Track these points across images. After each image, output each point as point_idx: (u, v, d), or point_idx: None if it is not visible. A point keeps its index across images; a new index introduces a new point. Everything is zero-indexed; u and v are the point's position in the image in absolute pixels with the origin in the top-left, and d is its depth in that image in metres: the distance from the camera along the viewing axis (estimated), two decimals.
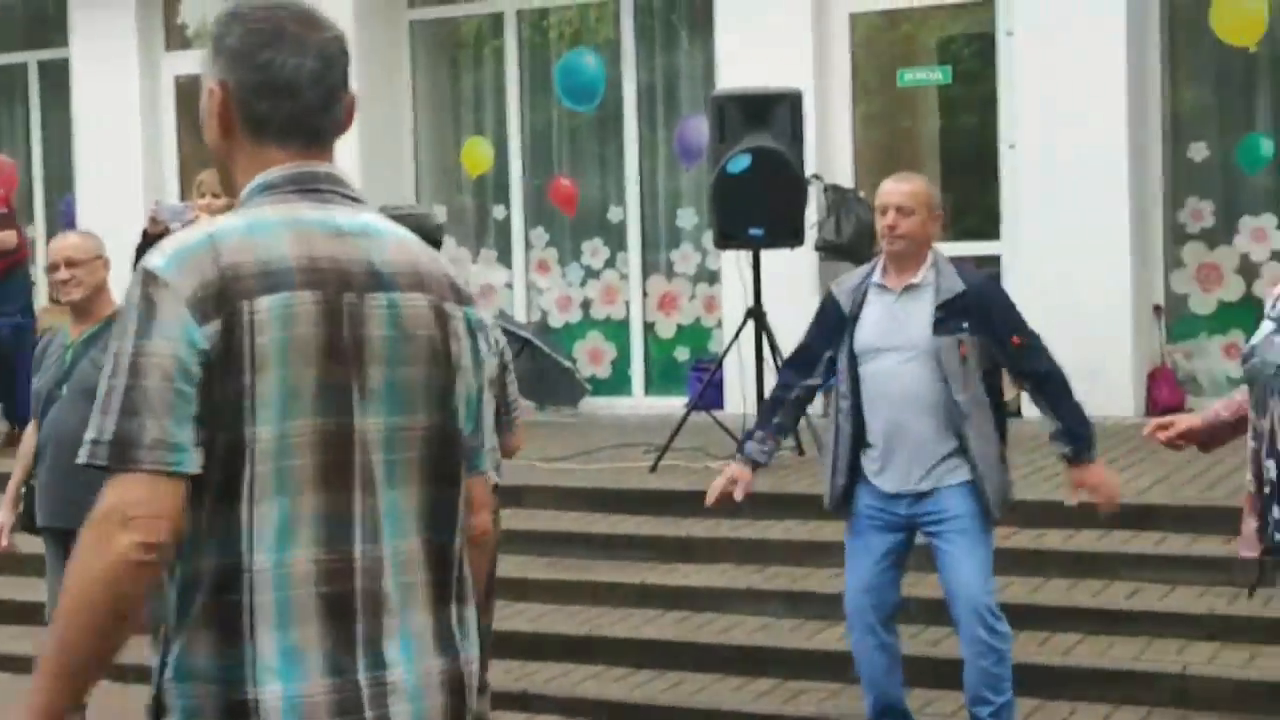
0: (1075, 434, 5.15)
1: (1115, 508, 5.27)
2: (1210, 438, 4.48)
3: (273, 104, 2.36)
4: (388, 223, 2.43)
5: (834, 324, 5.30)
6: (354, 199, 2.41)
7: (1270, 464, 4.15)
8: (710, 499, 5.33)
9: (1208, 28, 9.86)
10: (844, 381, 5.23)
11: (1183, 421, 4.44)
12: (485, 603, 2.56)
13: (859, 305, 5.24)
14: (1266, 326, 4.26)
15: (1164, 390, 9.81)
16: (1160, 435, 4.40)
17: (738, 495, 5.26)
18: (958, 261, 5.32)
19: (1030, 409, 9.85)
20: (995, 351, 5.13)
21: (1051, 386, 5.19)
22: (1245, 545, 4.32)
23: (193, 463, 2.19)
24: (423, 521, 2.36)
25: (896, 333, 5.13)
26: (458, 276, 2.48)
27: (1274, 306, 4.28)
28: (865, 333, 5.20)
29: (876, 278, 5.25)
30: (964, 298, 5.10)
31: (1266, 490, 4.16)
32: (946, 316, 5.07)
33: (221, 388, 2.20)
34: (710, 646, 6.64)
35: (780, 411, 5.43)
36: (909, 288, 5.16)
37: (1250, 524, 4.27)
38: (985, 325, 5.10)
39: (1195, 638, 6.16)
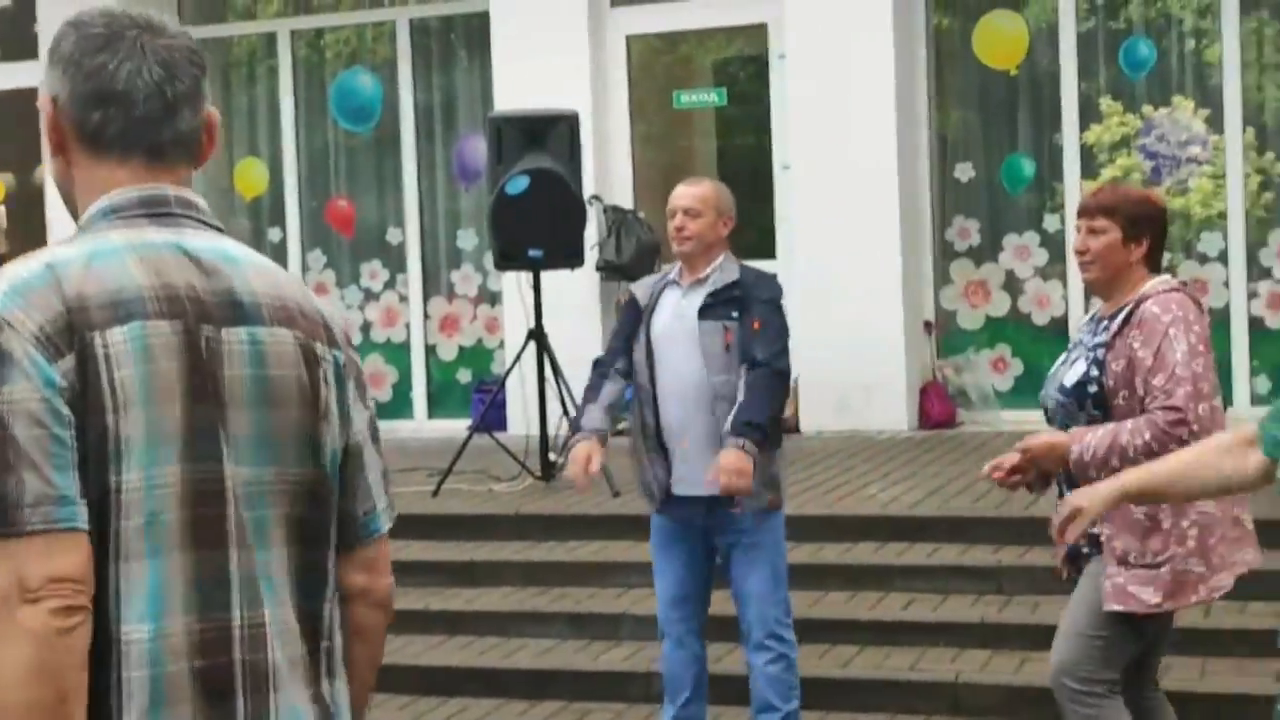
0: (745, 421, 4.97)
1: (730, 489, 4.94)
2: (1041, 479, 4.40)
3: (105, 114, 2.10)
4: (249, 250, 2.19)
5: (634, 319, 5.36)
6: (211, 225, 2.17)
7: (1061, 484, 4.30)
8: (579, 489, 5.36)
9: (971, 52, 10.20)
10: (642, 374, 5.27)
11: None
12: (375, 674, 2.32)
13: (656, 299, 5.31)
14: (1062, 356, 4.46)
15: (935, 404, 10.08)
16: (995, 476, 4.39)
17: (593, 468, 5.16)
18: (753, 270, 5.36)
19: (807, 423, 10.08)
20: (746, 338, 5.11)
21: (755, 375, 5.05)
22: (1061, 568, 4.49)
23: (83, 516, 1.92)
24: (295, 587, 2.10)
25: (680, 326, 5.20)
26: (333, 315, 2.22)
27: (1074, 337, 4.48)
28: (657, 328, 5.26)
29: (673, 275, 5.34)
30: (736, 288, 5.16)
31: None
32: (715, 304, 5.15)
33: (82, 431, 1.94)
34: (495, 671, 6.60)
35: (605, 385, 5.37)
36: (695, 283, 5.24)
37: (1060, 550, 4.39)
38: (748, 310, 5.13)
39: (968, 645, 6.32)
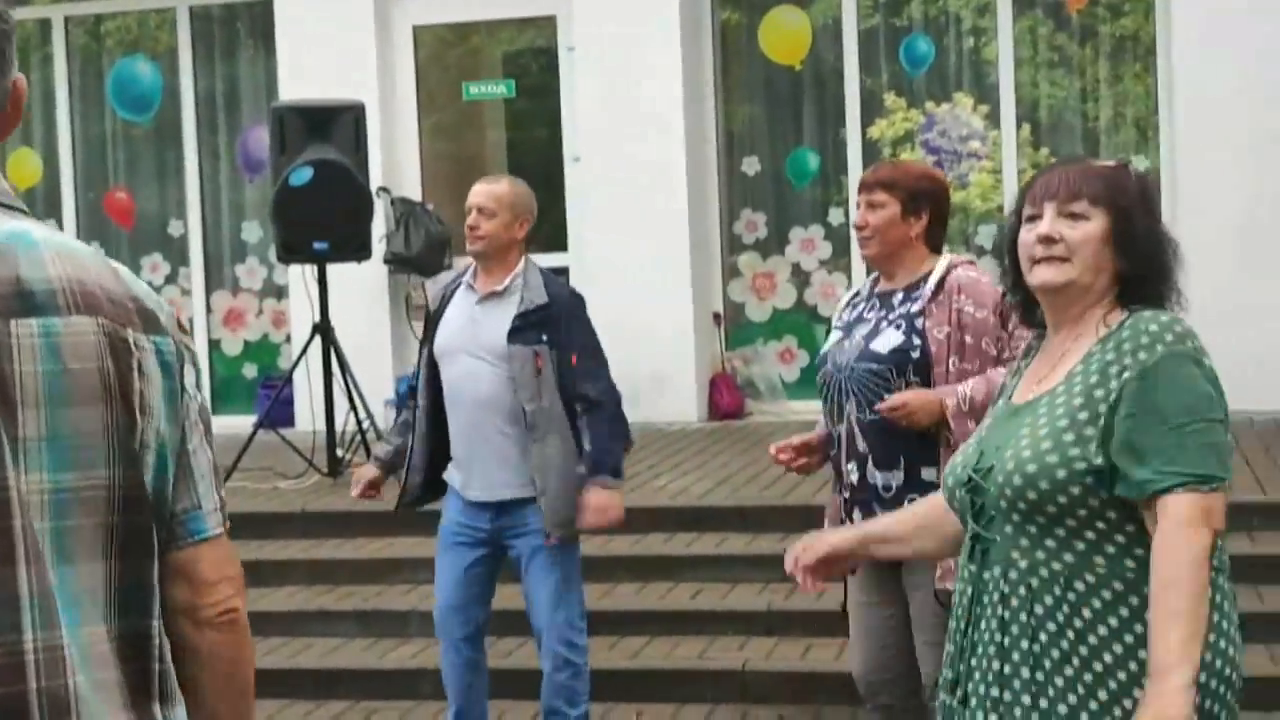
0: (597, 461, 5.04)
1: (600, 526, 5.11)
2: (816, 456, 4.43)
3: None
4: (53, 233, 1.95)
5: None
6: (8, 206, 1.95)
7: (851, 466, 4.27)
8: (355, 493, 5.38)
9: (757, 47, 10.31)
10: (423, 379, 5.18)
11: (801, 438, 4.40)
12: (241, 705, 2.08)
13: (444, 304, 5.20)
14: (835, 335, 4.42)
15: (725, 395, 10.19)
16: (780, 457, 4.37)
17: (354, 493, 5.35)
18: (548, 273, 5.29)
19: None
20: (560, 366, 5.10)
21: (595, 415, 5.07)
22: None
23: None
24: (112, 603, 1.89)
25: (475, 337, 5.08)
26: (151, 299, 2.00)
27: (840, 316, 4.47)
28: (445, 333, 5.15)
29: (467, 278, 5.22)
30: (546, 310, 5.05)
31: (847, 494, 4.29)
32: (525, 326, 5.02)
33: None
34: (280, 671, 6.46)
35: (405, 410, 5.35)
36: (493, 294, 5.12)
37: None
38: (560, 338, 5.06)
39: (755, 633, 6.40)
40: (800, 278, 10.43)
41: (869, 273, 4.61)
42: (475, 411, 5.08)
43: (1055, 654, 2.54)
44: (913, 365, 4.19)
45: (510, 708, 5.80)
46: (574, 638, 5.18)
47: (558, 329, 5.06)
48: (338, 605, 6.95)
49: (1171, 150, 9.64)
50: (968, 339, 4.18)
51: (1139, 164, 10.00)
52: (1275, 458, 7.77)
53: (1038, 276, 2.65)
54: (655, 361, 9.81)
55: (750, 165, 10.48)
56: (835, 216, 10.36)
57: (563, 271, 10.10)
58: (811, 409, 10.02)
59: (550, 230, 10.37)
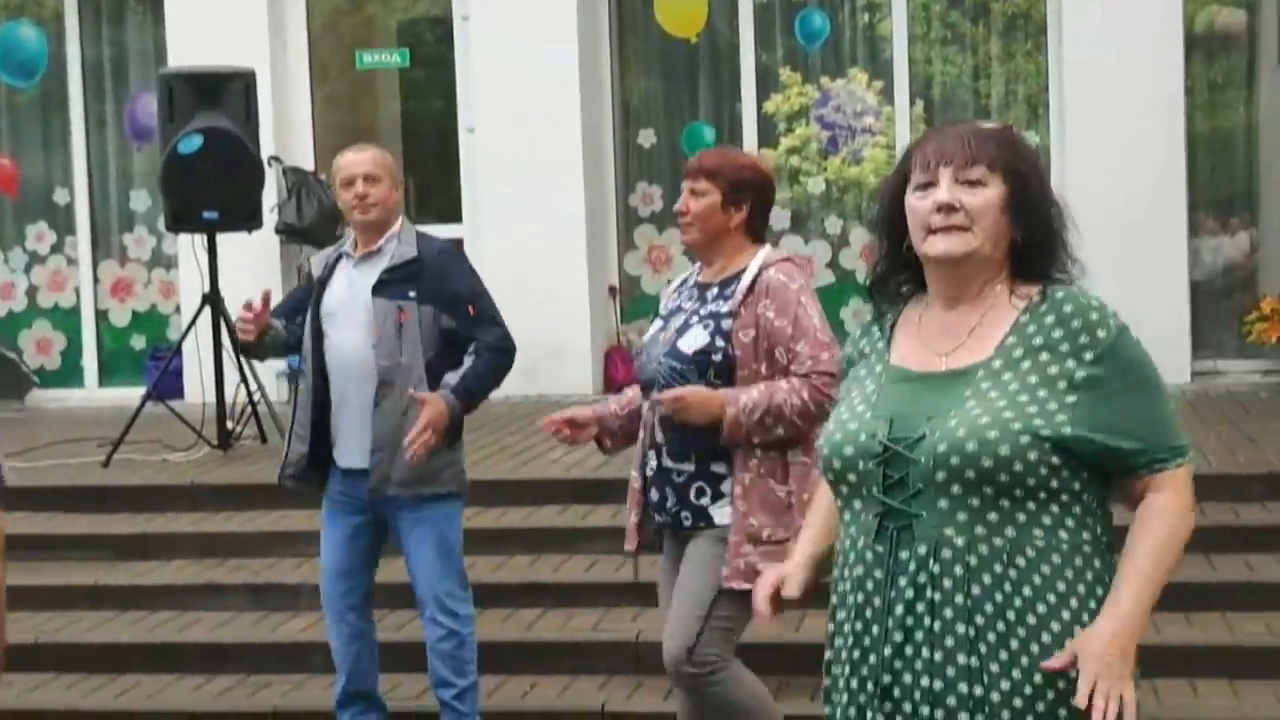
0: (462, 379, 4.97)
1: (421, 433, 4.89)
2: (608, 433, 4.46)
3: None
4: None
5: (305, 290, 5.25)
6: None
7: (651, 454, 4.30)
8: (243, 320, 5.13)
9: (653, 20, 10.29)
10: (308, 347, 5.13)
11: (569, 412, 4.44)
12: None
13: (328, 272, 5.16)
14: (656, 325, 4.41)
15: (620, 368, 10.18)
16: (549, 428, 4.41)
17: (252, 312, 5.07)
18: (424, 233, 5.24)
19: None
20: (449, 321, 5.04)
21: (483, 358, 5.03)
22: (628, 539, 4.44)
23: None
24: None
25: (351, 300, 5.05)
26: None
27: (664, 304, 4.48)
28: (328, 300, 5.11)
29: (346, 247, 5.18)
30: (415, 265, 5.02)
31: (649, 475, 4.31)
32: (391, 281, 4.99)
33: None
34: (169, 646, 6.39)
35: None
36: (368, 255, 5.09)
37: (631, 518, 4.41)
38: (437, 294, 5.02)
39: (650, 604, 6.37)
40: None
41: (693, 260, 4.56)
42: (348, 376, 5.04)
43: (992, 636, 2.44)
44: (714, 368, 4.17)
45: (404, 680, 5.76)
46: (456, 607, 5.15)
47: (427, 284, 5.00)
48: (227, 579, 6.86)
49: (1061, 127, 9.77)
50: (773, 346, 4.16)
51: (1029, 140, 10.13)
52: None
53: (937, 247, 2.52)
54: (550, 334, 9.77)
55: (646, 138, 10.47)
56: None
57: (457, 243, 10.05)
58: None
59: (444, 201, 10.32)
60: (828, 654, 2.68)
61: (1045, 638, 2.44)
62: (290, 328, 5.21)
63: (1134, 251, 9.33)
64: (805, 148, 10.29)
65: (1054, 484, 2.46)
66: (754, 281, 4.20)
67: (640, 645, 6.01)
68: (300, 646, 6.25)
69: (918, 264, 2.62)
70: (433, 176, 10.79)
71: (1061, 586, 2.46)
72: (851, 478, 2.54)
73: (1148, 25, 9.36)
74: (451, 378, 5.01)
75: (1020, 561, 2.44)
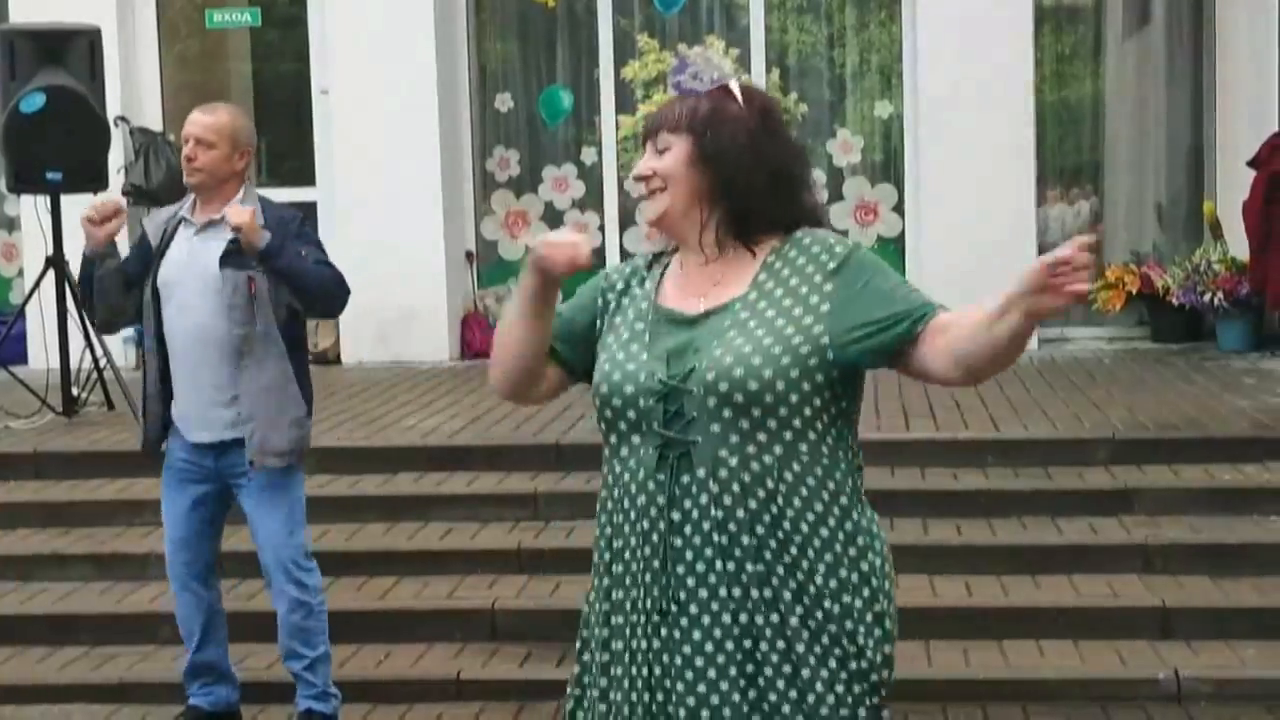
0: (283, 247, 4.82)
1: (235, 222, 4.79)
2: None
3: None
4: None
5: (143, 255, 5.10)
6: None
7: None
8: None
9: None
10: (149, 318, 5.01)
11: None
12: None
13: (167, 240, 5.03)
14: None
15: (476, 334, 10.13)
16: None
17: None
18: (267, 200, 5.12)
19: (349, 354, 9.95)
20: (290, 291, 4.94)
21: (323, 269, 4.92)
22: None
23: None
24: None
25: (192, 267, 4.93)
26: None
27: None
28: (166, 268, 4.98)
29: (185, 211, 5.06)
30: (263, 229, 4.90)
31: None
32: (237, 250, 4.87)
33: None
34: (10, 618, 6.22)
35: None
36: (211, 223, 4.98)
37: None
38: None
39: (506, 572, 6.38)
40: (553, 217, 10.41)
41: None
42: (193, 346, 4.93)
43: (773, 543, 2.64)
44: None
45: (254, 650, 5.67)
46: (302, 577, 5.09)
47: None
48: (72, 548, 6.70)
49: (915, 96, 9.88)
50: None
51: (882, 110, 10.25)
52: (1009, 396, 8.06)
53: (644, 213, 2.80)
54: (406, 299, 9.70)
55: (503, 103, 10.40)
56: (588, 156, 10.36)
57: (310, 207, 9.91)
58: None
59: (298, 165, 10.16)
60: (603, 581, 2.80)
61: (816, 542, 2.66)
62: (129, 294, 5.07)
63: (983, 220, 9.49)
64: None
65: (816, 402, 2.65)
66: None
67: (496, 613, 6.00)
68: (147, 617, 6.13)
69: None
70: (286, 139, 10.61)
71: (825, 496, 2.67)
72: (631, 414, 2.70)
73: None
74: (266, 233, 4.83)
75: (788, 476, 2.65)
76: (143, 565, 6.49)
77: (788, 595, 2.64)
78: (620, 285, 2.87)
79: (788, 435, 2.65)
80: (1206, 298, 9.42)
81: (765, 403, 2.62)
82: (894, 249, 10.01)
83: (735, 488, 2.64)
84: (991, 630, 5.77)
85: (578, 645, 2.87)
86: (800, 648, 2.64)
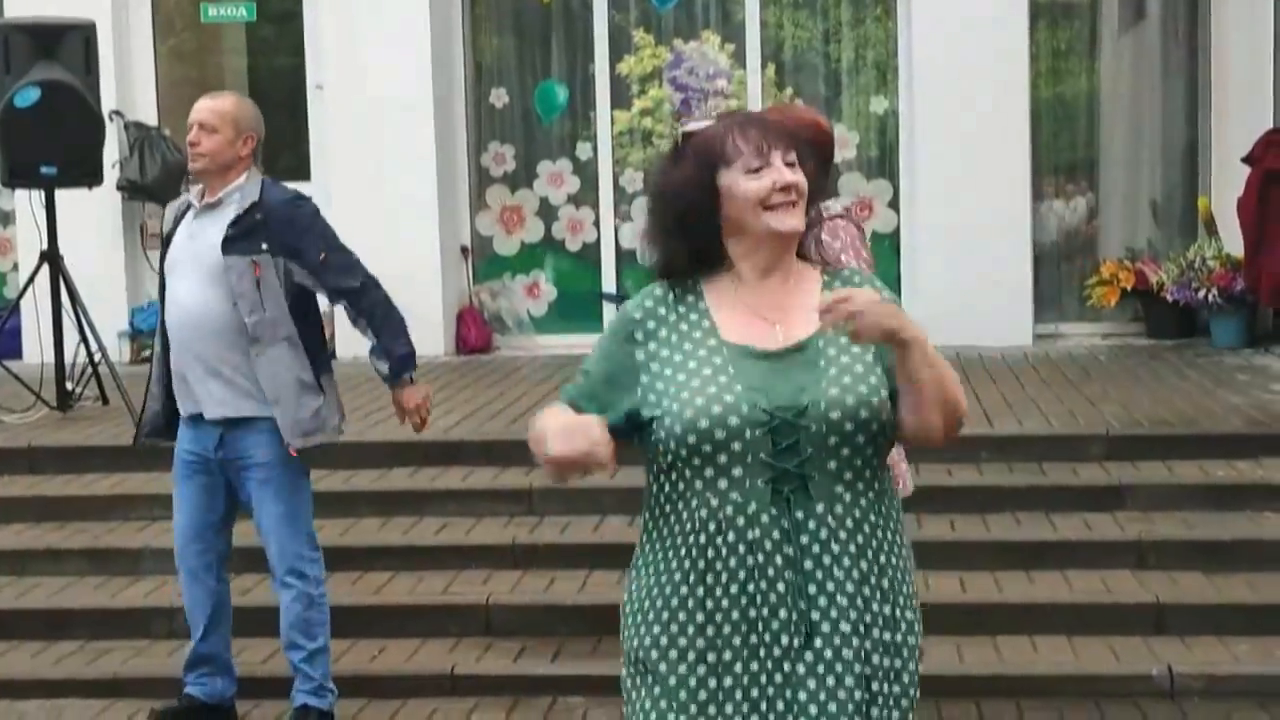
0: (391, 351, 5.06)
1: (422, 417, 5.24)
2: None
3: None
4: None
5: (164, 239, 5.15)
6: None
7: None
8: None
9: None
10: (158, 302, 5.05)
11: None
12: None
13: (176, 223, 5.07)
14: None
15: (472, 329, 10.13)
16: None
17: None
18: (270, 182, 5.10)
19: (345, 348, 9.95)
20: (302, 271, 4.96)
21: (367, 301, 5.04)
22: None
23: None
24: None
25: (193, 252, 4.96)
26: None
27: None
28: (172, 251, 5.02)
29: (193, 196, 5.10)
30: (260, 215, 4.92)
31: None
32: (239, 235, 4.89)
33: None
34: (5, 613, 6.23)
35: None
36: (210, 206, 4.99)
37: None
38: (285, 244, 4.93)
39: (501, 567, 6.39)
40: (548, 212, 10.41)
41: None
42: (194, 329, 4.95)
43: (877, 568, 2.75)
44: None
45: (249, 645, 5.67)
46: (305, 568, 5.10)
47: (276, 234, 4.92)
48: (67, 543, 6.70)
49: (910, 92, 9.88)
50: None
51: (878, 105, 10.26)
52: (1003, 391, 8.06)
53: (787, 223, 2.77)
54: (401, 295, 9.53)
55: (499, 98, 10.40)
56: (584, 151, 10.35)
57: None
58: (558, 343, 10.06)
59: (293, 160, 10.14)
60: (693, 617, 2.70)
61: (900, 575, 2.80)
62: None
63: (979, 216, 9.49)
64: (658, 109, 10.28)
65: (889, 432, 2.76)
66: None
67: (491, 608, 6.00)
68: (142, 612, 6.14)
69: (711, 249, 2.81)
70: (280, 134, 10.57)
71: (896, 516, 2.82)
72: (736, 446, 2.68)
73: None
74: (380, 365, 5.11)
75: (883, 509, 2.77)
76: (137, 560, 6.49)
77: (893, 612, 2.76)
78: (651, 323, 2.81)
79: (879, 470, 2.77)
80: (1201, 294, 9.42)
81: (873, 432, 2.71)
82: (889, 244, 10.01)
83: (849, 523, 2.71)
84: (985, 626, 5.78)
85: (626, 678, 2.80)
86: (899, 684, 2.76)
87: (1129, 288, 9.81)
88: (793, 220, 2.78)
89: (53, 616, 6.21)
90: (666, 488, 2.75)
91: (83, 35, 8.29)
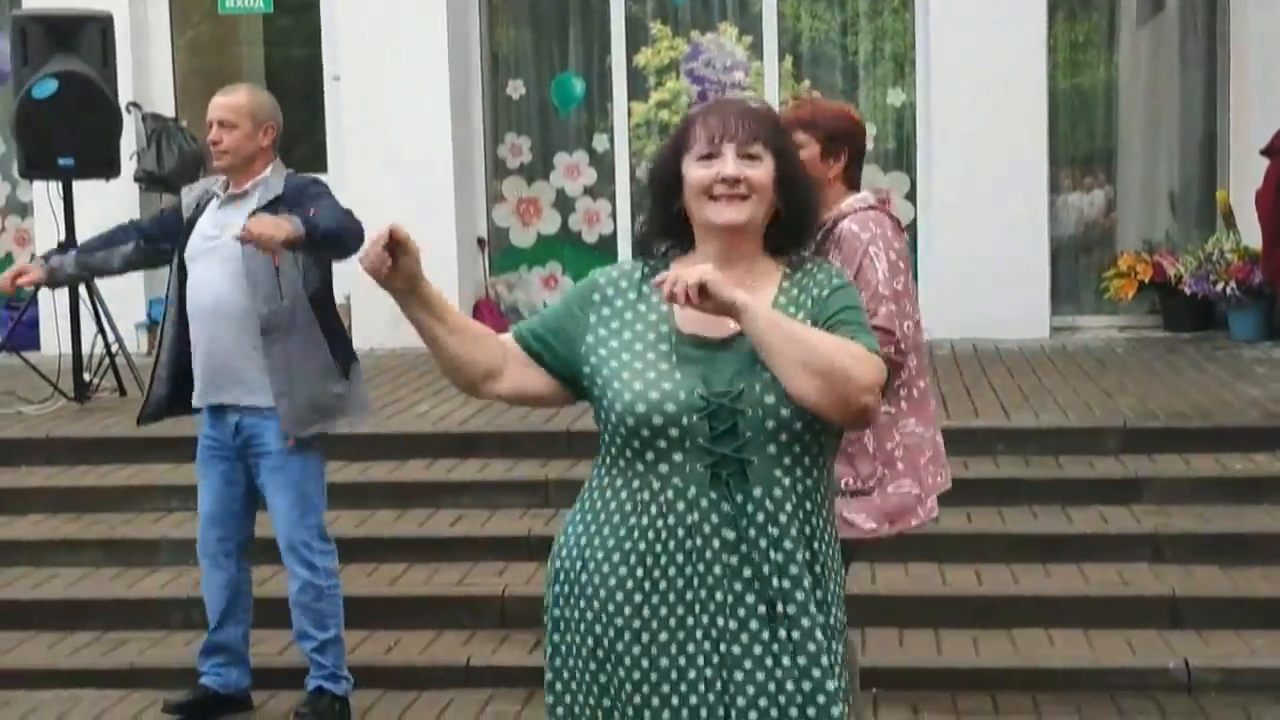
0: (318, 216, 4.76)
1: (253, 236, 4.66)
2: None
3: None
4: None
5: (167, 223, 5.17)
6: None
7: None
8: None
9: None
10: (172, 288, 5.05)
11: None
12: None
13: (198, 212, 5.08)
14: None
15: (488, 320, 10.13)
16: None
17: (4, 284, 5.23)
18: (293, 173, 5.12)
19: (360, 341, 9.95)
20: (295, 219, 4.79)
21: (328, 208, 4.84)
22: None
23: None
24: None
25: (214, 239, 4.98)
26: None
27: None
28: (194, 241, 5.04)
29: (217, 187, 5.11)
30: (282, 201, 4.93)
31: None
32: None
33: None
34: (23, 603, 6.25)
35: (115, 240, 5.25)
36: (234, 196, 5.02)
37: None
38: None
39: (516, 559, 6.38)
40: (565, 203, 10.40)
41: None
42: (213, 317, 4.98)
43: (808, 560, 2.75)
44: None
45: (264, 636, 5.67)
46: (314, 559, 5.11)
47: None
48: (84, 534, 6.72)
49: (927, 84, 9.86)
50: None
51: (895, 97, 10.23)
52: (1020, 384, 8.04)
53: (723, 215, 2.76)
54: None
55: (515, 89, 10.39)
56: (600, 143, 10.34)
57: None
58: None
59: (310, 151, 10.15)
60: (632, 597, 2.73)
61: (834, 561, 2.83)
62: (134, 250, 5.21)
63: (996, 208, 9.47)
64: (675, 101, 10.27)
65: (830, 424, 2.74)
66: (828, 231, 4.11)
67: (506, 600, 6.00)
68: (159, 603, 6.15)
69: (682, 227, 2.84)
70: (297, 126, 10.58)
71: (831, 506, 2.84)
72: (674, 431, 2.71)
73: None
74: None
75: (819, 495, 2.78)
76: (153, 550, 6.51)
77: (824, 617, 2.76)
78: (611, 292, 2.85)
79: (819, 457, 2.75)
80: (1219, 286, 9.39)
81: (809, 418, 2.68)
82: (906, 236, 9.99)
83: (788, 506, 2.72)
84: (1001, 619, 5.77)
85: (549, 651, 2.85)
86: (826, 661, 2.74)
87: (1147, 280, 9.78)
88: (731, 213, 2.75)
89: (70, 607, 6.22)
90: (610, 461, 2.81)
91: (100, 27, 8.31)
